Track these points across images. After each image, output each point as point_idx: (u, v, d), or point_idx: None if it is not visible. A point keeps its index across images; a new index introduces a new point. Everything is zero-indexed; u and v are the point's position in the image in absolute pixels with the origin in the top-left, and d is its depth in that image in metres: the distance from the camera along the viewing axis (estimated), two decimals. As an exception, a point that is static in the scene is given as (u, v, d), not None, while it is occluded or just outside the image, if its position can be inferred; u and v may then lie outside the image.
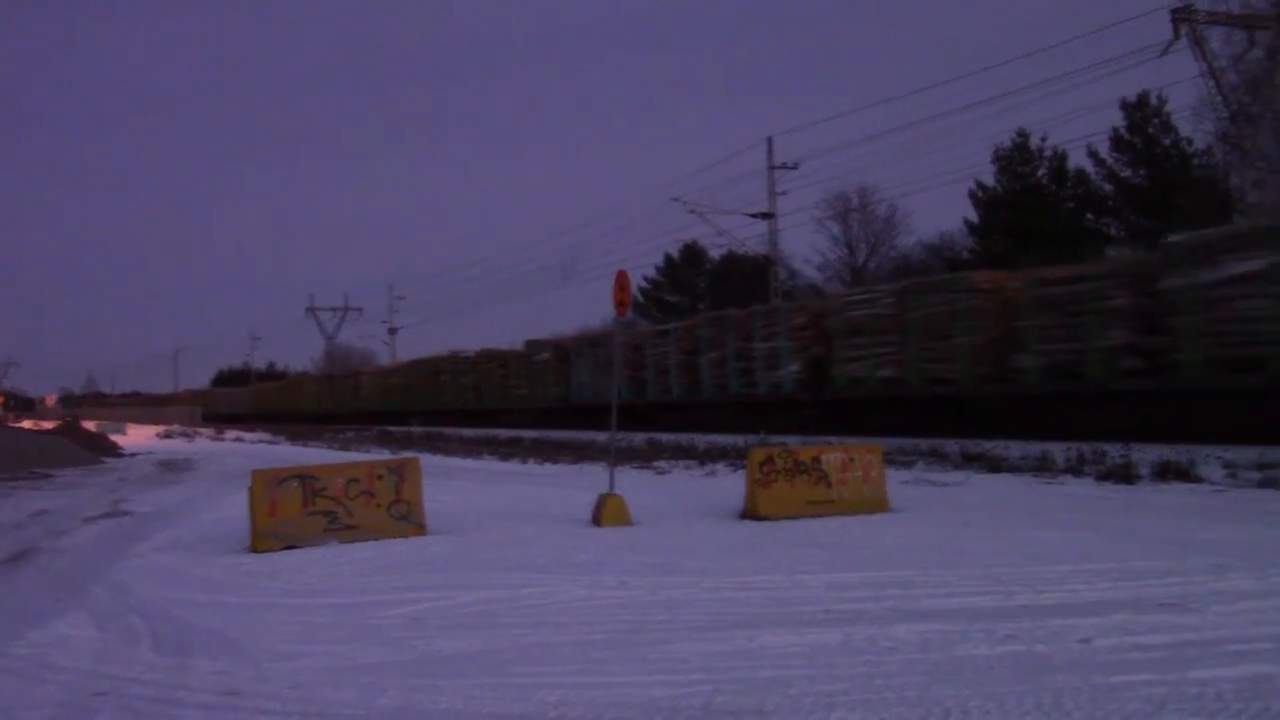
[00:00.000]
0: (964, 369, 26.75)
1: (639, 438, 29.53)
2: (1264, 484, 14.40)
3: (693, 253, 71.65)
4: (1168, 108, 46.88)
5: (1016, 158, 52.88)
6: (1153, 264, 22.95)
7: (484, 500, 15.52)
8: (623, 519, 12.41)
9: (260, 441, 48.93)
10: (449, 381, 60.18)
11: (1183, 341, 21.58)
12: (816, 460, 13.13)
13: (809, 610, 7.28)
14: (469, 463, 26.84)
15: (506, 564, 9.68)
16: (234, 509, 13.14)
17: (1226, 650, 5.90)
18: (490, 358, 56.35)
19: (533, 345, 52.06)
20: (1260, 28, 34.81)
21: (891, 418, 27.68)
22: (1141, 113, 48.50)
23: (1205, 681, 5.31)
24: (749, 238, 51.46)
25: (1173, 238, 22.64)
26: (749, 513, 12.77)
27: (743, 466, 14.81)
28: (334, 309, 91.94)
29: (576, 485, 17.13)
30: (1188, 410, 21.13)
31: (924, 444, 21.88)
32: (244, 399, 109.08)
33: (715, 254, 68.79)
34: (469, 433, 43.95)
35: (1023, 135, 52.03)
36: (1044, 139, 51.30)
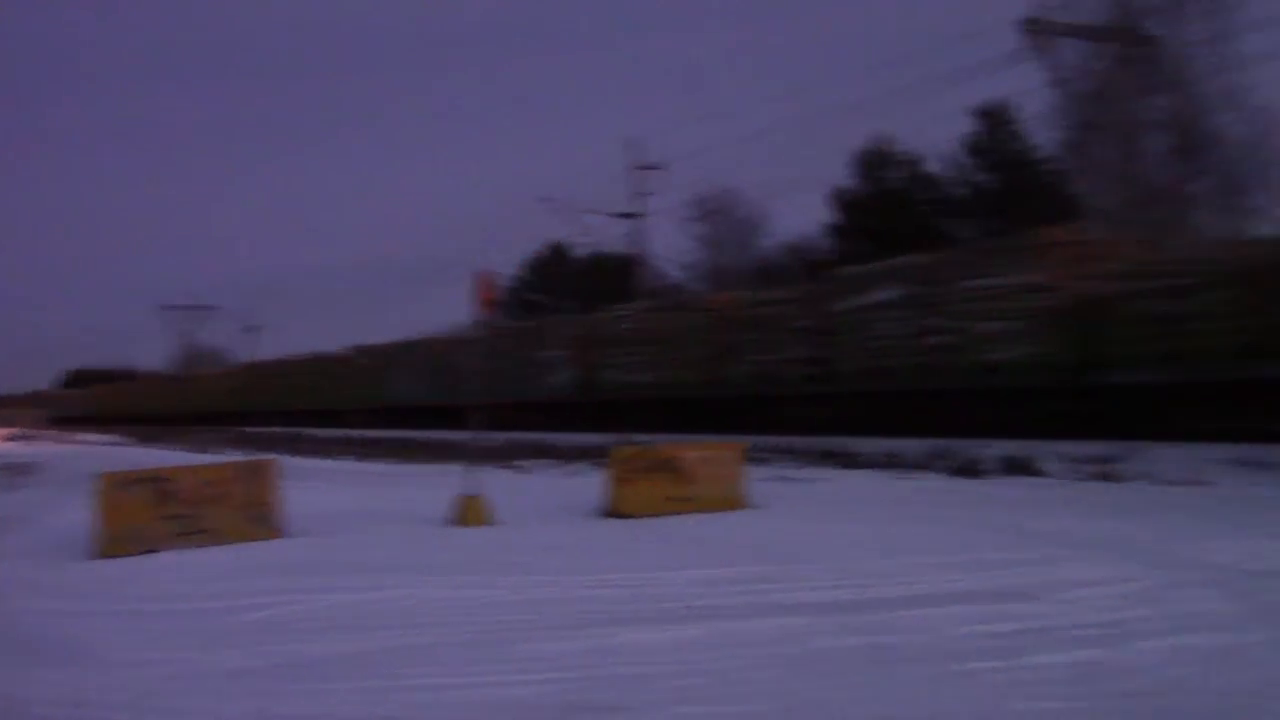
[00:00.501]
0: (697, 375, 32.08)
1: (500, 437, 29.49)
2: (1098, 477, 15.14)
3: (559, 252, 71.63)
4: (1020, 115, 48.59)
5: (875, 161, 54.20)
6: (825, 291, 28.66)
7: (344, 502, 15.26)
8: (484, 519, 12.37)
9: (109, 444, 47.28)
10: (281, 384, 62.38)
11: (842, 354, 27.28)
12: (676, 458, 13.29)
13: (668, 607, 7.38)
14: (328, 464, 26.38)
15: (367, 566, 9.56)
16: (81, 514, 12.67)
17: (1064, 637, 6.21)
18: (319, 361, 59.34)
19: (357, 350, 55.07)
20: (1104, 40, 36.27)
21: (647, 416, 32.12)
22: (995, 119, 50.17)
23: (1044, 667, 5.59)
24: (616, 237, 51.72)
25: (838, 271, 29.41)
26: (610, 511, 12.87)
27: (604, 465, 14.90)
28: (190, 307, 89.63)
29: (437, 485, 16.95)
30: (848, 408, 26.38)
31: (781, 441, 22.71)
32: (86, 400, 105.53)
33: (582, 254, 68.92)
34: (328, 433, 43.42)
35: (881, 139, 53.38)
36: (902, 143, 52.74)
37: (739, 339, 30.50)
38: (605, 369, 36.17)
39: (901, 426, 23.21)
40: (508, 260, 76.73)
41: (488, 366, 41.77)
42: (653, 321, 34.87)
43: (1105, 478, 15.17)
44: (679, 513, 12.64)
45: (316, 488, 17.23)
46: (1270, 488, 13.76)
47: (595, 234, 51.57)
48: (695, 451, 13.65)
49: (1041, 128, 42.12)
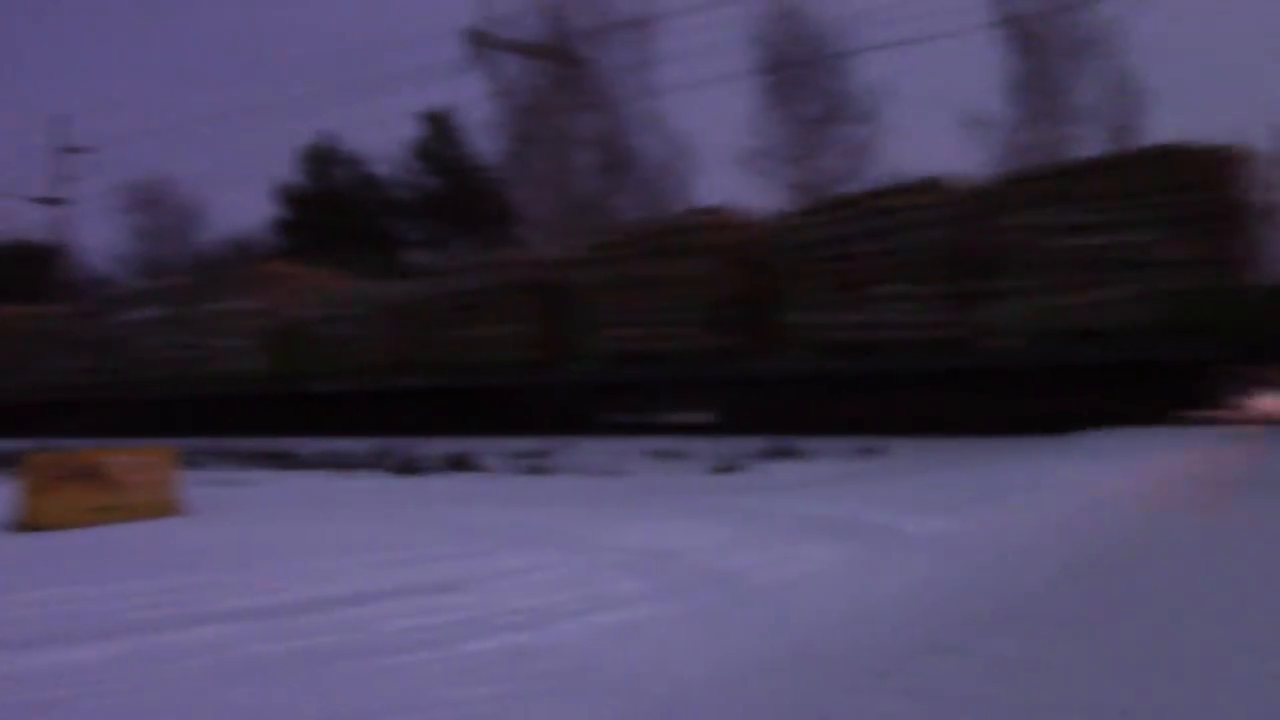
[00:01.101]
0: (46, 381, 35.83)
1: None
2: (530, 471, 16.20)
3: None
4: (467, 121, 50.33)
5: (321, 158, 53.72)
6: (103, 307, 33.12)
7: None
8: None
9: None
10: None
11: (120, 364, 31.91)
12: (101, 464, 12.42)
13: (90, 624, 6.89)
14: None
15: None
16: None
17: (493, 624, 6.55)
18: None
19: None
20: (540, 57, 38.45)
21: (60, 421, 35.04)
22: (440, 125, 51.48)
23: (475, 654, 5.88)
24: (37, 224, 47.32)
25: (113, 289, 38.06)
26: (24, 524, 11.76)
27: (13, 474, 13.58)
28: None
29: None
30: (133, 412, 31.23)
31: (222, 444, 22.24)
32: None
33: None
34: None
35: (327, 136, 53.01)
36: (349, 142, 52.72)
37: (28, 350, 34.36)
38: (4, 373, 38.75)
39: (176, 428, 28.12)
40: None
41: None
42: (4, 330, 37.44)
43: (539, 471, 16.17)
44: (106, 523, 11.80)
45: None
46: (669, 475, 15.38)
47: (11, 220, 46.88)
48: (123, 456, 12.83)
49: (484, 136, 44.00)
